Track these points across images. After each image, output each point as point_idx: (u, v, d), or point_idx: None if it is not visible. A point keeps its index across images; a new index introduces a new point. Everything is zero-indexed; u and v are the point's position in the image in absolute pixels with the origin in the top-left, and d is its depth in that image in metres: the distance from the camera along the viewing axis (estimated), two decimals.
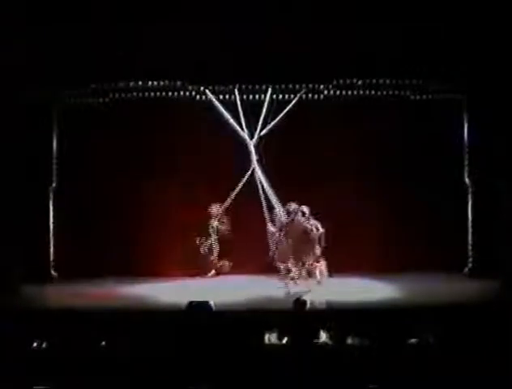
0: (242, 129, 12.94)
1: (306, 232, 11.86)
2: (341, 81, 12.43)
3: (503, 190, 11.83)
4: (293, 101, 12.76)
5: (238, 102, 12.81)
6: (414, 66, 11.85)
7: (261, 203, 12.58)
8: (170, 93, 12.67)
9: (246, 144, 12.96)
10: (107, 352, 6.45)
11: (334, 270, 12.35)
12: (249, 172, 12.85)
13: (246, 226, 12.90)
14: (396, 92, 12.60)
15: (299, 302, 7.30)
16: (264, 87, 12.67)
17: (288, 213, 12.12)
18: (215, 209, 12.88)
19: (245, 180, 12.79)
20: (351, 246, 12.67)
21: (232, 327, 7.04)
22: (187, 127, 12.97)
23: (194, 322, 6.55)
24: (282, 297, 10.78)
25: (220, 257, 13.04)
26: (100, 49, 11.39)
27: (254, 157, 12.94)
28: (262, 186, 12.69)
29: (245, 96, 12.80)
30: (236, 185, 12.78)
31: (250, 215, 12.74)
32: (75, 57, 11.48)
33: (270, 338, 7.14)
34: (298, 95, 12.73)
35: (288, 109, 12.77)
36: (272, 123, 12.82)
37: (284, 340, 6.96)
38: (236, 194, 12.79)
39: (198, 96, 12.86)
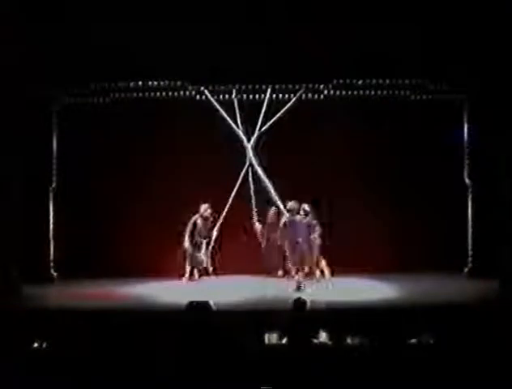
0: (241, 129, 12.98)
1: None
2: (341, 81, 12.43)
3: (503, 189, 11.83)
4: (291, 102, 12.78)
5: (237, 102, 12.84)
6: (414, 66, 11.86)
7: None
8: (170, 93, 12.69)
9: (245, 145, 13.02)
10: (107, 352, 6.45)
11: (334, 270, 12.43)
12: (244, 172, 12.90)
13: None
14: (396, 92, 12.61)
15: (299, 302, 7.30)
16: (264, 87, 12.68)
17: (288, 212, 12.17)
18: (203, 209, 12.72)
19: (239, 181, 12.84)
20: (351, 246, 12.67)
21: (232, 327, 7.04)
22: (187, 127, 12.98)
23: (194, 322, 6.55)
24: (282, 296, 10.77)
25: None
26: (100, 49, 11.40)
27: (252, 157, 13.00)
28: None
29: (244, 96, 12.82)
30: (234, 186, 12.84)
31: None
32: (75, 57, 11.48)
33: (270, 338, 7.14)
34: (297, 94, 12.75)
35: (285, 109, 12.80)
36: (269, 123, 12.85)
37: (284, 340, 6.96)
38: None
39: (198, 96, 12.87)
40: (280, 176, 12.85)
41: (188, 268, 12.56)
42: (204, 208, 12.63)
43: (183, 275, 12.50)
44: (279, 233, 12.48)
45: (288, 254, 12.10)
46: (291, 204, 12.13)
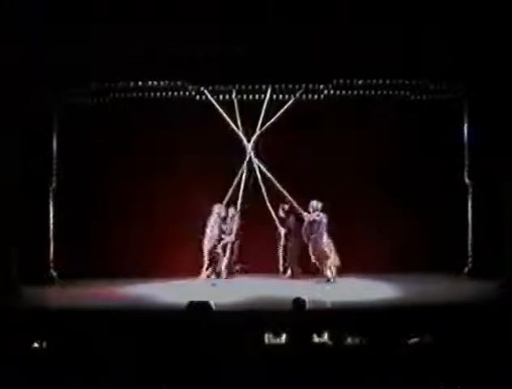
0: (241, 129, 12.97)
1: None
2: (341, 81, 12.42)
3: (503, 189, 11.83)
4: (290, 101, 12.76)
5: (237, 102, 12.83)
6: (414, 66, 11.85)
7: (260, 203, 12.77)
8: (170, 93, 12.68)
9: (244, 145, 13.01)
10: (106, 352, 6.45)
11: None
12: (246, 172, 12.88)
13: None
14: (396, 92, 12.60)
15: (298, 302, 7.30)
16: (264, 87, 12.66)
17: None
18: (218, 209, 12.76)
19: (243, 181, 12.83)
20: (351, 246, 12.67)
21: (232, 327, 7.04)
22: (187, 127, 12.98)
23: (194, 322, 6.55)
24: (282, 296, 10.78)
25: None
26: (100, 49, 11.39)
27: (252, 157, 12.98)
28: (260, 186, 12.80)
29: (244, 97, 12.81)
30: (235, 187, 12.81)
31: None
32: (75, 57, 11.47)
33: (270, 338, 7.14)
34: (296, 94, 12.74)
35: (284, 108, 12.78)
36: (269, 123, 12.84)
37: (284, 340, 6.96)
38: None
39: (198, 96, 12.86)
40: (280, 176, 12.83)
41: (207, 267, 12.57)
42: (219, 208, 12.60)
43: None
44: (303, 231, 12.58)
45: (313, 250, 12.42)
46: (315, 203, 12.44)
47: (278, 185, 12.76)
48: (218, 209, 12.63)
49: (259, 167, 12.97)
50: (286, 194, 12.73)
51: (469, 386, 5.97)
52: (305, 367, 6.06)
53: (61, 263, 12.61)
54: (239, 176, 12.86)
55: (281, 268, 12.82)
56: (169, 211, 12.97)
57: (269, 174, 12.86)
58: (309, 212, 12.49)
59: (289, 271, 12.74)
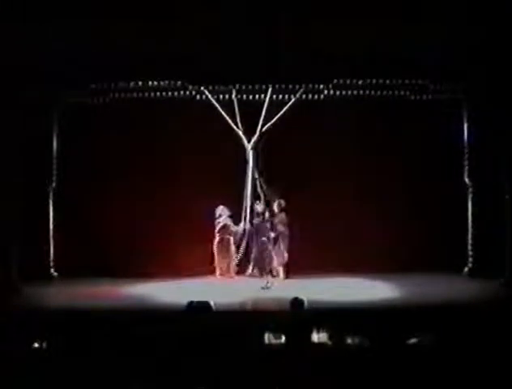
0: (241, 129, 12.95)
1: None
2: (341, 81, 12.42)
3: (503, 189, 11.84)
4: (291, 102, 12.74)
5: (237, 102, 12.81)
6: (414, 66, 11.85)
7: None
8: (170, 93, 12.68)
9: (244, 145, 12.98)
10: (106, 353, 6.46)
11: (334, 270, 12.45)
12: (248, 173, 12.85)
13: None
14: (396, 92, 12.60)
15: (296, 302, 7.30)
16: (264, 87, 12.66)
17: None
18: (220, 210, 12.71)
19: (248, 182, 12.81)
20: (351, 246, 12.68)
21: (232, 327, 7.05)
22: (187, 127, 12.98)
23: (194, 322, 6.55)
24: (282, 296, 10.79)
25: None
26: (100, 48, 11.39)
27: (251, 157, 12.94)
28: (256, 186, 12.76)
29: (244, 97, 12.81)
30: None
31: None
32: (75, 57, 11.47)
33: (270, 338, 7.14)
34: (297, 95, 12.72)
35: (285, 109, 12.76)
36: (270, 123, 12.81)
37: (284, 340, 6.96)
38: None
39: (198, 96, 12.86)
40: (280, 176, 12.83)
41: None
42: (222, 209, 12.54)
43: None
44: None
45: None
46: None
47: (260, 186, 12.70)
48: (221, 210, 12.57)
49: (258, 166, 12.95)
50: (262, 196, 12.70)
51: (469, 386, 5.97)
52: (305, 367, 6.06)
53: (61, 263, 12.62)
54: (248, 176, 12.78)
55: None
56: (169, 211, 12.97)
57: (256, 175, 12.78)
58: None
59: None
